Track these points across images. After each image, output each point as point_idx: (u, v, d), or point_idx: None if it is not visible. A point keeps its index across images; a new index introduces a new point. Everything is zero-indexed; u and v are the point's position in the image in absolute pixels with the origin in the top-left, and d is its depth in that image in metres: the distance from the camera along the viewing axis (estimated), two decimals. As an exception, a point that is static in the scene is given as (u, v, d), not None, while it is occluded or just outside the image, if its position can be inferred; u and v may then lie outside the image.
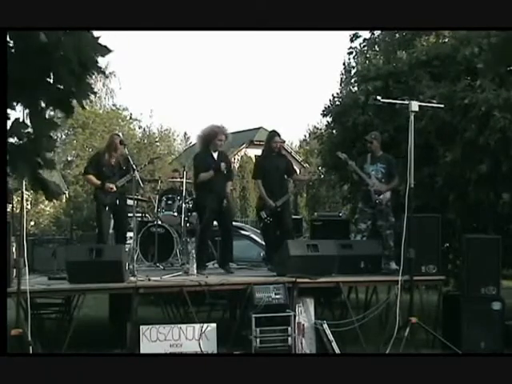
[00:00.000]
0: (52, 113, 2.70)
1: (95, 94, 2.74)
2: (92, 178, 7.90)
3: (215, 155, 7.77)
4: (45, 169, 2.70)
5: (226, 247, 8.01)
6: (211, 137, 7.76)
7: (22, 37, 2.51)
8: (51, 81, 2.56)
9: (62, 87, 2.57)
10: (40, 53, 2.49)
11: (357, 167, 7.96)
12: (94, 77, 2.70)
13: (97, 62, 2.60)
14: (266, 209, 7.95)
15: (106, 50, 2.60)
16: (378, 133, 8.21)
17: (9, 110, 2.60)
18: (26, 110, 2.63)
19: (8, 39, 2.52)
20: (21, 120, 2.63)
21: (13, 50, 2.52)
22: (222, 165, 7.67)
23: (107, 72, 31.23)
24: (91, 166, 7.98)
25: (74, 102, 2.66)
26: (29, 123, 2.63)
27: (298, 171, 11.17)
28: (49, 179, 2.76)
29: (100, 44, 2.60)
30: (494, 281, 7.02)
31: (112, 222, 8.02)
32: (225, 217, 7.85)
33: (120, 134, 8.27)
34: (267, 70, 72.09)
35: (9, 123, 2.63)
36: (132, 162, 7.56)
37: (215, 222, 8.01)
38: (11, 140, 2.62)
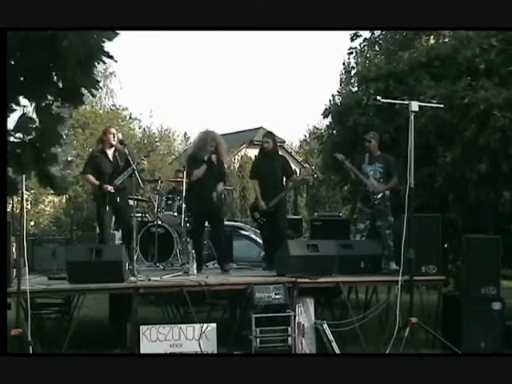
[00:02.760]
0: (58, 108, 2.69)
1: (98, 83, 2.72)
2: (90, 177, 7.69)
3: (206, 157, 7.82)
4: (49, 164, 2.70)
5: (218, 248, 8.17)
6: (202, 143, 7.88)
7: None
8: (59, 72, 2.55)
9: (70, 78, 2.56)
10: (47, 43, 2.49)
11: (354, 168, 7.97)
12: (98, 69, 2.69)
13: (103, 47, 2.59)
14: (258, 210, 8.01)
15: (112, 34, 2.59)
16: (377, 133, 8.21)
17: (14, 106, 2.59)
18: (33, 105, 2.62)
19: (13, 33, 2.51)
20: (28, 115, 2.63)
21: (17, 43, 2.52)
22: (213, 156, 7.77)
23: (108, 72, 31.24)
24: (89, 165, 7.79)
25: (83, 92, 2.65)
26: (36, 118, 2.63)
27: (297, 171, 11.12)
28: (55, 173, 2.77)
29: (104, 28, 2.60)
30: (494, 281, 7.03)
31: (113, 220, 8.01)
32: (213, 217, 7.94)
33: (114, 131, 8.06)
34: (267, 69, 72.03)
35: (12, 119, 2.63)
36: (131, 161, 7.47)
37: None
38: (18, 135, 2.62)
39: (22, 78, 2.55)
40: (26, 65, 2.52)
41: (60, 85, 2.59)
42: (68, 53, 2.49)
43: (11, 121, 2.61)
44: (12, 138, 2.61)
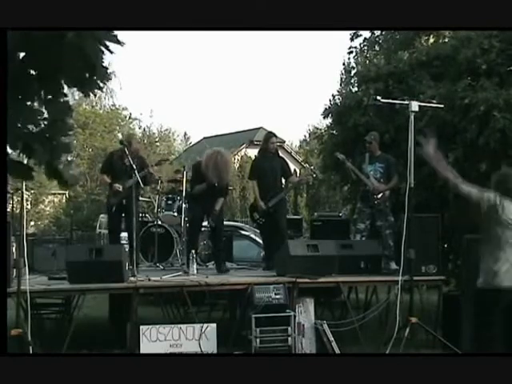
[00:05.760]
0: (67, 97, 2.69)
1: (107, 70, 2.72)
2: (104, 177, 8.18)
3: (210, 178, 7.84)
4: (59, 154, 2.70)
5: (215, 250, 8.28)
6: (212, 164, 7.78)
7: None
8: (66, 62, 2.55)
9: (77, 67, 2.55)
10: (54, 36, 2.49)
11: (355, 168, 7.97)
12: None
13: (110, 33, 2.60)
14: (257, 210, 8.01)
15: (111, 37, 2.60)
16: (377, 133, 8.21)
17: (21, 100, 2.59)
18: (41, 97, 2.62)
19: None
20: (35, 107, 2.62)
21: (25, 35, 2.51)
22: (215, 179, 7.78)
23: (108, 71, 31.20)
24: (105, 166, 8.27)
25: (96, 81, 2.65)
26: (43, 110, 2.63)
27: (298, 172, 11.11)
28: (63, 165, 2.76)
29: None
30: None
31: (122, 222, 8.13)
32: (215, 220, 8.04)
33: (136, 139, 8.32)
34: (267, 69, 72.00)
35: (19, 113, 2.62)
36: (134, 165, 7.53)
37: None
38: (27, 127, 2.62)
39: (31, 72, 2.55)
40: (34, 59, 2.51)
41: (72, 74, 2.58)
42: (75, 41, 2.49)
43: (19, 114, 2.61)
44: (21, 131, 2.60)
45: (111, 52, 2.64)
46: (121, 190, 7.77)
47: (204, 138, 33.37)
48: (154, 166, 8.08)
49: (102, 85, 2.67)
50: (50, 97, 2.61)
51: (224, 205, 8.38)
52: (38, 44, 2.52)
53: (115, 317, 7.96)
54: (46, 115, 2.63)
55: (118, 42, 2.63)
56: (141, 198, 9.86)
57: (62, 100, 2.66)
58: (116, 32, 2.66)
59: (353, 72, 11.65)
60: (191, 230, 8.00)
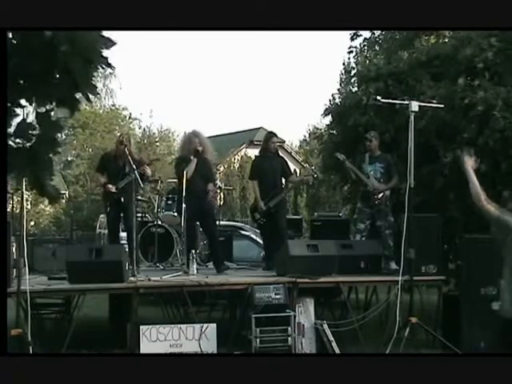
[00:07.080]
0: (57, 110, 2.68)
1: (96, 88, 2.71)
2: (99, 175, 8.25)
3: (193, 156, 7.88)
4: (43, 170, 2.68)
5: (212, 249, 8.24)
6: (188, 142, 8.03)
7: (26, 33, 2.50)
8: (56, 77, 2.55)
9: (66, 83, 2.55)
10: (45, 48, 2.48)
11: (355, 167, 7.97)
12: (97, 73, 2.68)
13: (101, 54, 2.59)
14: (258, 210, 8.01)
15: (109, 42, 2.59)
16: (377, 133, 8.21)
17: (15, 111, 2.59)
18: (33, 111, 2.61)
19: (12, 36, 2.51)
20: (28, 121, 2.62)
21: (17, 47, 2.51)
22: (200, 148, 7.85)
23: (107, 72, 31.22)
24: (100, 165, 8.33)
25: (79, 97, 2.64)
26: (35, 124, 2.62)
27: (298, 172, 11.14)
28: (48, 181, 2.73)
29: (103, 36, 2.59)
30: (493, 281, 7.02)
31: (120, 221, 8.15)
32: (205, 218, 8.04)
33: (130, 141, 8.33)
34: (267, 69, 71.90)
35: (13, 125, 2.61)
36: (132, 163, 7.55)
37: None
38: (18, 140, 2.60)
39: (21, 81, 2.55)
40: (24, 69, 2.51)
41: (58, 89, 2.58)
42: (66, 58, 2.48)
43: (11, 126, 2.61)
44: (11, 143, 2.59)
45: (103, 68, 2.63)
46: (114, 190, 7.81)
47: (204, 137, 33.27)
48: (147, 166, 8.11)
49: (88, 99, 2.67)
50: (42, 111, 2.60)
51: (224, 195, 8.44)
52: (27, 55, 2.51)
53: (115, 317, 7.95)
54: (37, 131, 2.62)
55: (109, 66, 2.63)
56: (140, 198, 9.88)
57: (53, 116, 2.66)
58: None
59: (353, 72, 11.65)
60: (188, 227, 7.99)
